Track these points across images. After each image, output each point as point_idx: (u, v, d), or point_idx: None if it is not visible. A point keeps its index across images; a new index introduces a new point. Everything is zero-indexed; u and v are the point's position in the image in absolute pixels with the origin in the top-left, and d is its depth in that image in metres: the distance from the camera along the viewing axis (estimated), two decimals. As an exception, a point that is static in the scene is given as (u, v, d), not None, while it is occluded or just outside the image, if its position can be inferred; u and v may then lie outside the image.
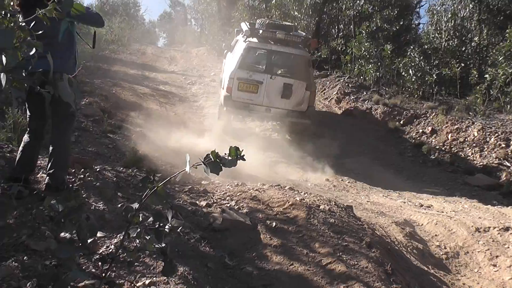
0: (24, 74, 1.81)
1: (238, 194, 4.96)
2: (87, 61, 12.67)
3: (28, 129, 3.84)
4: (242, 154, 2.04)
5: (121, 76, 13.56)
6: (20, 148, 3.80)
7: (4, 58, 1.63)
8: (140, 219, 2.10)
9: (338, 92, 13.95)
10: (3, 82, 1.64)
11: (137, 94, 11.82)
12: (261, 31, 9.94)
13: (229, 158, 2.03)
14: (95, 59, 14.49)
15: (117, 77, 13.03)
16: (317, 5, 18.73)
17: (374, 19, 14.57)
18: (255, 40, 9.87)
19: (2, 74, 1.65)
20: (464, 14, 13.76)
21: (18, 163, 3.77)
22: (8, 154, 4.58)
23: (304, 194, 5.31)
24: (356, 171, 9.08)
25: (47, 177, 3.74)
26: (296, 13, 18.94)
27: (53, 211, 2.00)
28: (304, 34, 11.34)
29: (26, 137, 3.80)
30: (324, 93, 14.63)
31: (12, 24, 1.89)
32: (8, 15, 1.83)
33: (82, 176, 4.31)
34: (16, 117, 5.39)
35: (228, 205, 4.64)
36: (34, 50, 1.86)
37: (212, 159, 2.00)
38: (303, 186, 7.36)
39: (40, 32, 2.01)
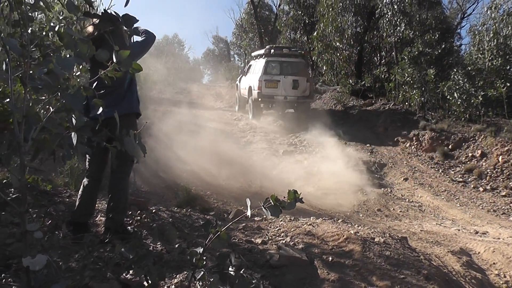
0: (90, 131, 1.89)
1: (292, 229, 4.91)
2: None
3: (87, 172, 3.88)
4: (300, 197, 2.05)
5: (169, 115, 13.92)
6: (79, 192, 3.84)
7: (73, 119, 1.72)
8: (204, 262, 2.14)
9: (384, 120, 13.74)
10: (74, 141, 1.73)
11: (186, 131, 12.06)
12: (272, 51, 15.82)
13: (288, 201, 2.05)
14: (143, 100, 14.91)
15: (164, 116, 13.39)
16: (358, 34, 18.75)
17: (416, 44, 14.37)
18: (270, 57, 15.62)
19: (73, 133, 1.74)
20: (507, 32, 13.35)
21: (78, 207, 3.79)
22: (67, 199, 4.69)
23: (358, 226, 5.20)
24: (407, 199, 8.84)
25: (106, 220, 3.78)
26: (338, 43, 19.00)
27: (122, 258, 2.06)
28: (299, 50, 17.02)
29: (85, 181, 3.85)
30: (370, 122, 14.45)
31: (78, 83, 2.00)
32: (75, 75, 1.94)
33: (138, 217, 4.39)
34: (73, 162, 5.49)
35: (284, 241, 4.59)
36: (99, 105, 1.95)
37: (272, 203, 2.01)
38: (355, 218, 7.21)
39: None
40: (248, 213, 1.98)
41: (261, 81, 15.13)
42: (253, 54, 18.93)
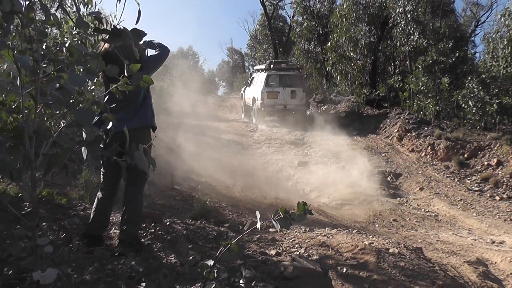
0: (102, 145, 1.91)
1: (306, 240, 4.88)
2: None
3: (101, 185, 3.90)
4: (309, 209, 2.04)
5: (184, 127, 14.02)
6: (94, 205, 3.85)
7: (84, 134, 1.74)
8: (215, 274, 2.13)
9: (399, 130, 13.65)
10: (85, 156, 1.74)
11: (200, 144, 12.13)
12: (272, 65, 18.14)
13: (298, 213, 2.03)
14: (158, 112, 15.07)
15: (180, 129, 13.49)
16: (372, 44, 18.71)
17: (430, 53, 14.26)
18: (271, 71, 17.73)
19: (83, 148, 1.76)
20: (521, 39, 13.19)
21: (92, 220, 3.80)
22: (82, 212, 4.70)
23: (373, 237, 5.14)
24: (422, 208, 8.73)
25: (120, 233, 3.77)
26: (351, 53, 18.99)
27: (133, 271, 2.06)
28: (296, 64, 20.19)
29: (99, 194, 3.86)
30: (385, 131, 14.36)
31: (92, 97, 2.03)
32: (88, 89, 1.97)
33: (153, 230, 4.40)
34: (87, 176, 5.50)
35: (298, 252, 4.56)
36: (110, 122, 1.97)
37: (282, 215, 2.00)
38: (371, 228, 7.14)
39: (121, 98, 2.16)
40: (258, 225, 1.98)
41: (263, 93, 17.21)
42: (255, 67, 22.04)
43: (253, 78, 19.83)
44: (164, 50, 4.03)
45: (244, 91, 20.85)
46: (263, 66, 19.17)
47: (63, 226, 4.08)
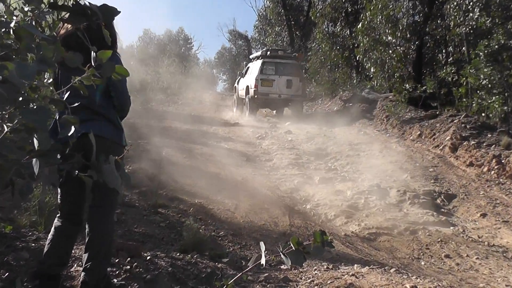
0: (59, 156, 1.90)
1: (329, 281, 4.85)
2: (129, 117, 13.27)
3: (59, 211, 3.80)
4: (330, 240, 2.03)
5: (173, 133, 14.09)
6: (50, 236, 3.74)
7: (36, 142, 1.73)
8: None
9: (452, 137, 13.58)
10: (36, 170, 1.74)
11: (194, 155, 12.18)
12: (268, 53, 21.82)
13: (314, 244, 2.02)
14: (139, 114, 15.21)
15: (167, 135, 13.55)
16: (417, 25, 18.64)
17: (495, 36, 14.03)
18: (267, 58, 21.35)
19: (34, 160, 1.75)
20: None
21: (46, 255, 3.68)
22: (33, 244, 4.65)
23: (417, 278, 5.10)
24: (485, 241, 8.65)
25: (84, 272, 3.65)
26: (390, 37, 18.99)
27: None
28: (293, 53, 23.54)
29: (57, 222, 3.77)
30: (433, 139, 14.30)
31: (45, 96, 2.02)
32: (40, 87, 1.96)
33: (128, 267, 4.38)
34: (41, 196, 5.33)
35: (317, 298, 4.54)
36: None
37: (293, 247, 1.99)
38: (415, 266, 7.08)
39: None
40: (263, 260, 1.97)
41: (257, 80, 20.72)
42: (251, 56, 26.04)
43: (248, 67, 23.59)
44: (127, 103, 3.97)
45: (237, 83, 24.69)
46: (259, 53, 23.19)
47: (6, 262, 4.04)
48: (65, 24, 3.58)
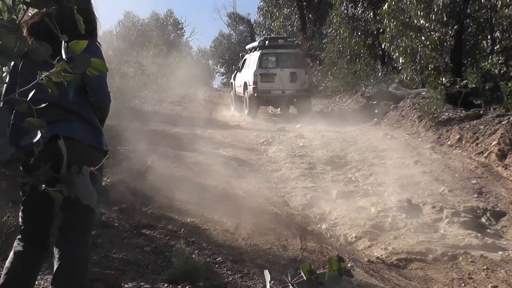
0: (22, 169, 1.87)
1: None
2: (107, 119, 13.23)
3: (21, 232, 3.73)
4: (348, 268, 2.00)
5: (161, 138, 14.10)
6: (7, 264, 3.66)
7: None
8: None
9: (500, 142, 13.53)
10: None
11: (186, 164, 12.17)
12: (267, 42, 22.38)
13: (329, 273, 1.99)
14: (120, 115, 15.21)
15: (154, 140, 13.54)
16: (456, 5, 18.50)
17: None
18: (265, 49, 21.97)
19: (-9, 172, 1.72)
20: None
21: (3, 285, 3.59)
22: None
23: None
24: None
25: None
26: (422, 21, 18.94)
27: None
28: (296, 41, 24.56)
29: (17, 246, 3.69)
30: (476, 144, 14.26)
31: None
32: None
33: (107, 301, 4.37)
34: (0, 215, 5.25)
35: None
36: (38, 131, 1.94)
37: (305, 277, 1.96)
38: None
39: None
40: (268, 293, 1.94)
41: (256, 76, 21.33)
42: (247, 47, 26.22)
43: (245, 60, 24.33)
44: (106, 100, 4.00)
45: (234, 79, 25.43)
46: (255, 44, 23.95)
47: None
48: (28, 9, 3.57)
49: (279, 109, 23.31)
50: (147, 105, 20.86)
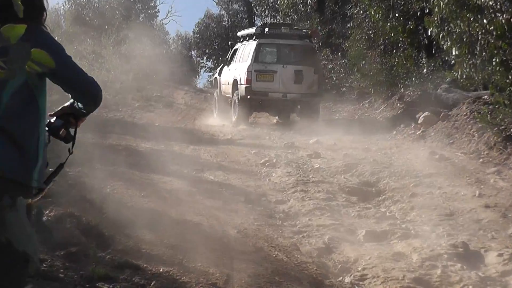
0: None
1: None
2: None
3: None
4: None
5: (124, 156, 14.09)
6: None
7: None
8: None
9: None
10: None
11: (158, 192, 12.14)
12: (266, 30, 22.85)
13: None
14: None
15: (115, 159, 13.52)
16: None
17: None
18: (264, 38, 22.57)
19: None
20: None
21: None
22: None
23: None
24: None
25: None
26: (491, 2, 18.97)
27: None
28: (305, 30, 24.92)
29: None
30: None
31: None
32: None
33: None
34: None
35: None
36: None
37: None
38: None
39: None
40: None
41: (250, 72, 22.10)
42: (239, 33, 27.54)
43: (235, 50, 25.20)
44: (93, 88, 4.19)
45: (220, 73, 26.38)
46: (252, 30, 24.76)
47: None
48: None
49: (277, 117, 23.90)
50: (107, 111, 20.85)
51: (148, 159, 14.66)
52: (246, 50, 22.91)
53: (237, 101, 21.97)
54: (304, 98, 21.78)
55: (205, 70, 46.03)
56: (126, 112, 21.84)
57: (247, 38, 23.83)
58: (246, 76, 21.65)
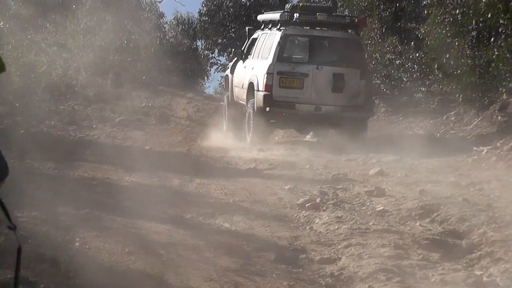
0: None
1: None
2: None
3: None
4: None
5: (100, 195, 14.08)
6: None
7: None
8: None
9: None
10: None
11: (149, 247, 12.10)
12: (296, 16, 23.14)
13: None
14: (22, 148, 15.25)
15: (86, 198, 13.53)
16: None
17: None
18: (291, 28, 22.98)
19: None
20: None
21: None
22: None
23: None
24: None
25: None
26: None
27: None
28: (349, 16, 25.84)
29: None
30: None
31: None
32: None
33: None
34: None
35: None
36: None
37: None
38: None
39: None
40: None
41: (271, 75, 22.09)
42: (260, 17, 28.33)
43: (254, 40, 25.74)
44: None
45: (232, 71, 27.09)
46: (276, 16, 24.85)
47: None
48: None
49: (308, 136, 23.73)
50: (75, 128, 20.90)
51: (135, 199, 14.61)
52: (267, 43, 22.77)
53: (252, 113, 21.72)
54: (346, 113, 21.63)
55: (217, 68, 46.32)
56: (103, 130, 21.82)
57: (270, 26, 23.71)
58: (265, 79, 21.39)
